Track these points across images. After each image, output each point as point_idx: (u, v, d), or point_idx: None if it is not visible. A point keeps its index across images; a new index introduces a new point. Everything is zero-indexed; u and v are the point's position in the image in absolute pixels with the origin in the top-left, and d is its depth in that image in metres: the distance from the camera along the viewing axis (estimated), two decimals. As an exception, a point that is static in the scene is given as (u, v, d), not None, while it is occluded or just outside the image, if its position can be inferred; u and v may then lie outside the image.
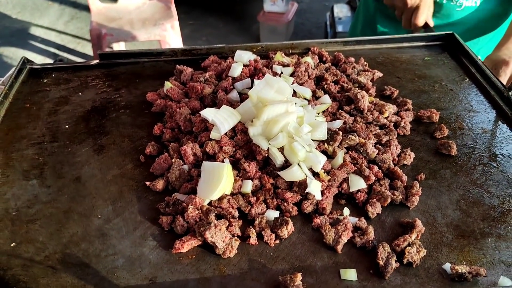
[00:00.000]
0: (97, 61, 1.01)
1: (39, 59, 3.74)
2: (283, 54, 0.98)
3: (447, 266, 0.60)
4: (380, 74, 0.97)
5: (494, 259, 0.62)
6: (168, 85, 0.89)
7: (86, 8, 4.01)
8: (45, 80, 0.96)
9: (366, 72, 0.95)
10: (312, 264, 0.62)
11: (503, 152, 0.78)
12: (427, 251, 0.63)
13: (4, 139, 0.81)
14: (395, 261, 0.61)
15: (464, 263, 0.61)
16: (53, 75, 0.97)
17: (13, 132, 0.83)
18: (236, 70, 0.90)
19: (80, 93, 0.92)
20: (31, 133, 0.82)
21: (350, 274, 0.60)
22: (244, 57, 0.96)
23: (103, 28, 2.84)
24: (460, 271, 0.59)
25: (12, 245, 0.64)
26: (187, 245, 0.62)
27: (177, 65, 0.95)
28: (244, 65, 0.93)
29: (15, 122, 0.85)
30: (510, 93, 0.87)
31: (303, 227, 0.67)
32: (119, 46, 3.03)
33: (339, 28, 3.21)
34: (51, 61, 3.70)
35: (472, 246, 0.64)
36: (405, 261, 0.61)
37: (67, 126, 0.84)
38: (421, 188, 0.70)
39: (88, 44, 3.86)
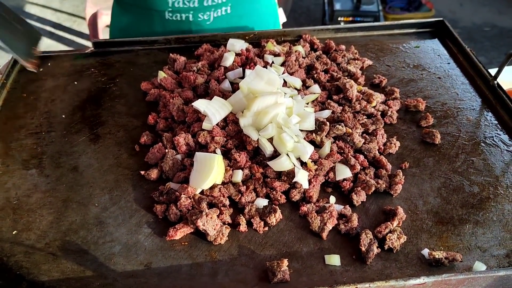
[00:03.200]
0: (92, 49, 1.02)
1: (35, 38, 3.71)
2: (274, 43, 1.00)
3: (425, 251, 0.64)
4: (370, 62, 0.99)
5: (471, 245, 0.66)
6: (161, 74, 0.91)
7: (82, -14, 3.95)
8: (41, 69, 0.97)
9: (356, 61, 0.97)
10: (298, 250, 0.65)
11: (486, 141, 0.81)
12: (408, 237, 0.66)
13: (3, 129, 0.84)
14: (377, 247, 0.64)
15: (442, 248, 0.65)
16: (49, 64, 0.99)
17: (12, 121, 0.85)
18: (228, 59, 0.92)
19: (75, 82, 0.94)
20: (29, 122, 0.85)
21: (334, 260, 0.64)
22: (236, 45, 0.98)
23: (98, 7, 2.82)
24: (437, 256, 0.62)
25: (14, 232, 0.67)
26: (180, 232, 0.65)
27: (171, 54, 0.97)
28: (236, 54, 0.95)
29: (13, 112, 0.87)
30: (495, 82, 0.89)
31: (290, 214, 0.70)
32: (115, 26, 3.01)
33: (337, 6, 3.20)
34: (48, 40, 3.69)
35: (450, 232, 0.67)
36: (386, 247, 0.64)
37: (63, 116, 0.86)
38: (404, 176, 0.74)
39: (84, 22, 3.83)
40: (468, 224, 0.68)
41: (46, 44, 3.63)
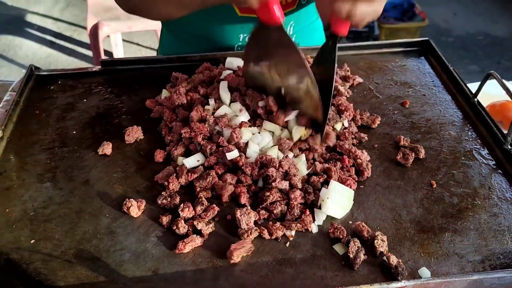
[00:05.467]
0: (99, 67, 1.09)
1: (36, 47, 3.79)
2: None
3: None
4: (360, 80, 1.06)
5: (449, 251, 0.72)
6: (165, 93, 0.97)
7: (82, -5, 4.03)
8: (52, 87, 1.04)
9: (347, 79, 1.04)
10: (292, 256, 0.72)
11: (466, 154, 0.88)
12: (392, 245, 0.73)
13: (18, 145, 0.90)
14: (364, 254, 0.71)
15: (423, 255, 0.71)
16: (59, 82, 1.06)
17: (26, 138, 0.92)
18: (232, 63, 1.02)
19: (85, 100, 1.01)
20: (42, 138, 0.91)
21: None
22: (234, 63, 1.05)
23: (99, 18, 2.89)
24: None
25: (32, 242, 0.73)
26: (189, 246, 0.71)
27: (173, 72, 1.04)
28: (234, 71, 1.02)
29: (26, 128, 0.94)
30: (475, 99, 0.96)
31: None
32: (115, 36, 3.08)
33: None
34: (48, 49, 3.75)
35: (430, 240, 0.74)
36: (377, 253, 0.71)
37: (74, 132, 0.93)
38: (391, 188, 0.81)
39: (84, 31, 3.90)
40: (447, 233, 0.75)
41: (47, 53, 3.70)
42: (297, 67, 0.81)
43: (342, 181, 0.80)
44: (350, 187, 0.79)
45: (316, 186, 0.80)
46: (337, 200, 0.76)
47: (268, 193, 0.77)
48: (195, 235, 0.73)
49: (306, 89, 0.82)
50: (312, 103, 0.83)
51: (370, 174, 0.83)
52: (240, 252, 0.70)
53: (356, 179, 0.82)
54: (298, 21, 1.13)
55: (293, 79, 0.83)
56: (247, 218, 0.73)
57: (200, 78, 1.01)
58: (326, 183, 0.80)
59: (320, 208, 0.77)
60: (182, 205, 0.76)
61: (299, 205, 0.77)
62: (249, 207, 0.76)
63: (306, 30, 1.19)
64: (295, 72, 0.82)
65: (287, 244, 0.73)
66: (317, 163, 0.83)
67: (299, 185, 0.79)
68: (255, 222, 0.75)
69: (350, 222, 0.76)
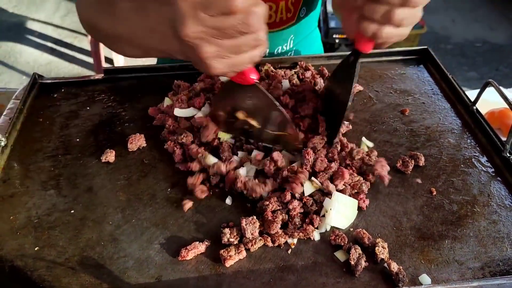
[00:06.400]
0: (102, 75, 1.10)
1: (36, 54, 3.81)
2: (271, 67, 1.08)
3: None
4: (361, 88, 1.07)
5: (449, 258, 0.73)
6: (167, 101, 0.99)
7: (82, 3, 4.02)
8: (55, 95, 1.05)
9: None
10: (294, 263, 0.72)
11: (465, 162, 0.89)
12: (392, 252, 0.74)
13: (22, 152, 0.91)
14: (365, 261, 0.71)
15: (423, 261, 0.72)
16: (62, 90, 1.07)
17: (30, 145, 0.92)
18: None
19: (88, 107, 1.02)
20: (46, 146, 0.92)
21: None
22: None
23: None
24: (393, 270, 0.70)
25: (36, 249, 0.74)
26: (192, 253, 0.72)
27: (175, 81, 1.05)
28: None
29: (30, 136, 0.95)
30: (474, 107, 0.97)
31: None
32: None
33: (332, 24, 3.30)
34: (49, 56, 3.77)
35: (431, 247, 0.75)
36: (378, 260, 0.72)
37: (78, 140, 0.94)
38: (391, 195, 0.82)
39: (85, 38, 3.93)
40: (447, 240, 0.76)
41: (47, 60, 3.72)
42: (277, 118, 0.81)
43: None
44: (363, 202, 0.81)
45: (318, 199, 0.80)
46: (341, 211, 0.77)
47: (267, 202, 0.78)
48: (198, 242, 0.74)
49: (286, 132, 0.84)
50: (291, 137, 0.84)
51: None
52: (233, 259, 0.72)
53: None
54: (297, 33, 1.14)
55: (273, 127, 0.84)
56: (252, 227, 0.74)
57: (201, 86, 1.02)
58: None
59: (323, 216, 0.78)
60: None
61: (299, 214, 0.78)
62: (254, 217, 0.76)
63: (305, 41, 1.21)
64: (275, 123, 0.83)
65: (289, 251, 0.74)
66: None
67: (297, 195, 0.80)
68: (260, 232, 0.76)
69: (351, 229, 0.77)
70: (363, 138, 0.93)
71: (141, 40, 0.78)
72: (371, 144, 0.92)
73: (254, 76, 0.74)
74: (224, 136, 0.89)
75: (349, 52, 0.86)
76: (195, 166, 0.85)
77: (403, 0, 0.68)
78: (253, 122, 0.85)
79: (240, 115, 0.85)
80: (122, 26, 0.80)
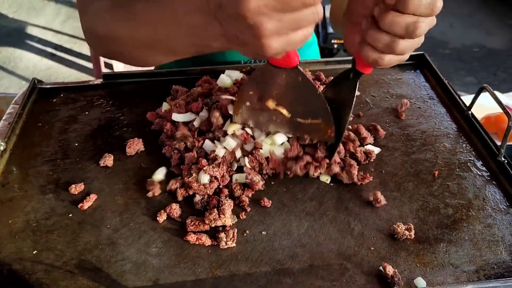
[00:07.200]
0: (101, 80, 1.11)
1: (36, 59, 3.82)
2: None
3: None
4: (358, 93, 1.08)
5: (444, 262, 0.74)
6: (166, 106, 0.99)
7: (82, 8, 4.04)
8: (54, 100, 1.06)
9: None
10: (290, 267, 0.73)
11: (460, 166, 0.90)
12: (388, 255, 0.74)
13: (21, 157, 0.92)
14: (360, 264, 0.72)
15: (418, 265, 0.73)
16: (61, 95, 1.08)
17: (28, 150, 0.93)
18: (224, 80, 1.02)
19: (87, 112, 1.03)
20: (45, 150, 0.93)
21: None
22: (232, 75, 1.07)
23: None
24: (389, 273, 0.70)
25: (34, 252, 0.74)
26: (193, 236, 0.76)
27: (173, 85, 1.06)
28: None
29: (29, 140, 0.95)
30: (470, 112, 0.98)
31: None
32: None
33: (330, 30, 3.32)
34: (49, 61, 3.78)
35: (426, 250, 0.75)
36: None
37: (76, 144, 0.95)
38: (387, 199, 0.82)
39: (85, 43, 3.94)
40: (442, 243, 0.76)
41: (47, 65, 3.74)
42: (315, 103, 0.80)
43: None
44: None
45: None
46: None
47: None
48: (205, 235, 0.76)
49: (319, 120, 0.82)
50: (324, 126, 0.83)
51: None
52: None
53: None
54: None
55: (307, 114, 0.83)
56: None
57: (199, 91, 1.02)
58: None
59: None
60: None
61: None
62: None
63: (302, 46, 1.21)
64: (311, 109, 0.82)
65: (285, 255, 0.74)
66: None
67: None
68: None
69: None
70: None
71: (168, 39, 0.76)
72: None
73: (297, 58, 0.73)
74: (233, 127, 0.88)
75: (349, 67, 0.84)
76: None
77: (407, 32, 0.65)
78: (284, 111, 0.83)
79: (271, 104, 0.83)
80: (144, 29, 0.78)
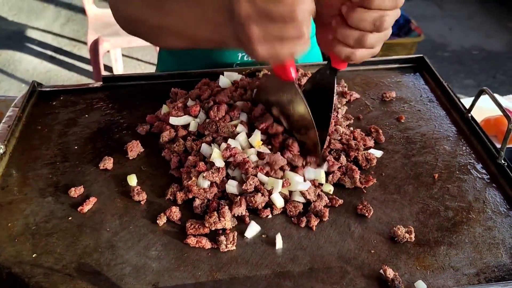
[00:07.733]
0: (101, 83, 1.11)
1: (36, 62, 3.82)
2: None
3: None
4: (358, 96, 1.08)
5: (445, 264, 0.73)
6: (165, 108, 0.99)
7: (82, 11, 4.08)
8: (54, 103, 1.06)
9: (344, 95, 1.06)
10: (291, 270, 0.73)
11: (460, 169, 0.90)
12: (388, 258, 0.74)
13: (20, 160, 0.91)
14: (361, 267, 0.72)
15: (419, 268, 0.73)
16: (61, 98, 1.07)
17: (28, 152, 0.93)
18: (223, 81, 1.03)
19: (86, 115, 1.03)
20: (44, 153, 0.93)
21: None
22: (232, 76, 1.07)
23: (99, 33, 2.93)
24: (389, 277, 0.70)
25: (33, 256, 0.74)
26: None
27: (172, 88, 1.06)
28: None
29: (29, 143, 0.95)
30: (469, 115, 0.98)
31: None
32: (115, 52, 3.12)
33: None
34: (49, 64, 3.79)
35: (426, 253, 0.75)
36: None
37: (76, 147, 0.94)
38: (386, 202, 0.82)
39: (84, 46, 3.95)
40: (442, 246, 0.76)
41: (47, 68, 3.74)
42: (304, 121, 0.82)
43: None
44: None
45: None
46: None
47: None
48: (205, 238, 0.76)
49: (309, 135, 0.84)
50: (311, 142, 0.84)
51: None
52: None
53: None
54: None
55: (297, 130, 0.86)
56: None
57: (197, 93, 1.02)
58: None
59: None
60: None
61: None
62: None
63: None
64: (300, 125, 0.84)
65: (285, 258, 0.74)
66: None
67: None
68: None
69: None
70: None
71: (192, 31, 0.80)
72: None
73: (293, 73, 0.76)
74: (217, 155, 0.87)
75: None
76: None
77: (374, 26, 0.70)
78: (284, 122, 0.87)
79: (275, 111, 0.88)
80: (172, 18, 0.83)
